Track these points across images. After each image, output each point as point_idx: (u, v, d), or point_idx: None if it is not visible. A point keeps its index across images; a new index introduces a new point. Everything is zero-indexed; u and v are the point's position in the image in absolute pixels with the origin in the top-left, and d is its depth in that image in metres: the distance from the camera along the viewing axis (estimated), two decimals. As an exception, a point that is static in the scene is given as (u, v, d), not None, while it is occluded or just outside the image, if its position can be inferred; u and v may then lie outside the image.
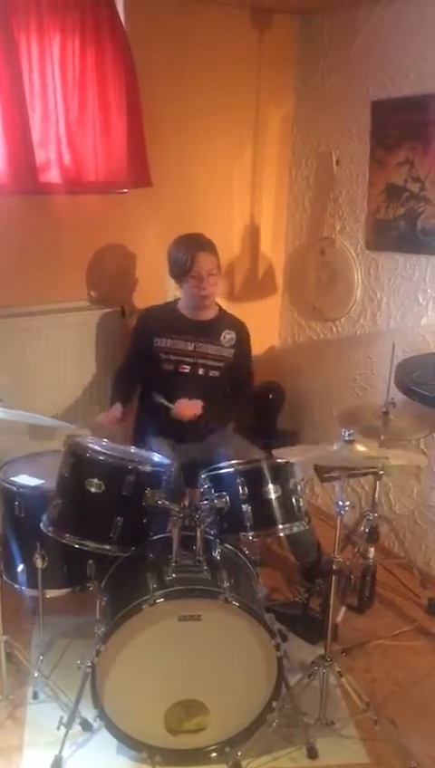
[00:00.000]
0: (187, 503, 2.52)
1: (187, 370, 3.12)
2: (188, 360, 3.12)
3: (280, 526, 2.45)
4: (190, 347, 3.13)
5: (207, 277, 3.03)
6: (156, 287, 3.33)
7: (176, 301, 3.23)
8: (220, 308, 3.26)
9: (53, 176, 3.14)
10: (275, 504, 2.44)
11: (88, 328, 3.40)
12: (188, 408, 3.01)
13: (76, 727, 2.39)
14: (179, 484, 2.80)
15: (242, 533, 2.44)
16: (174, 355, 3.12)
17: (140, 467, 2.38)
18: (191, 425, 3.06)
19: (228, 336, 3.18)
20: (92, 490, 2.34)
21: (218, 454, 2.95)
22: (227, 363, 3.17)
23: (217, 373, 3.16)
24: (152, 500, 2.35)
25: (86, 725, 2.41)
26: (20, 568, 2.60)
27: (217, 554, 2.45)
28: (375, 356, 3.51)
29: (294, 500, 2.47)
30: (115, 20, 3.10)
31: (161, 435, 3.05)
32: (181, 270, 3.05)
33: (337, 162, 3.54)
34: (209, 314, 3.20)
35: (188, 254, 3.02)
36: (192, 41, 3.37)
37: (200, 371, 3.13)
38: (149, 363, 3.15)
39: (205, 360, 3.14)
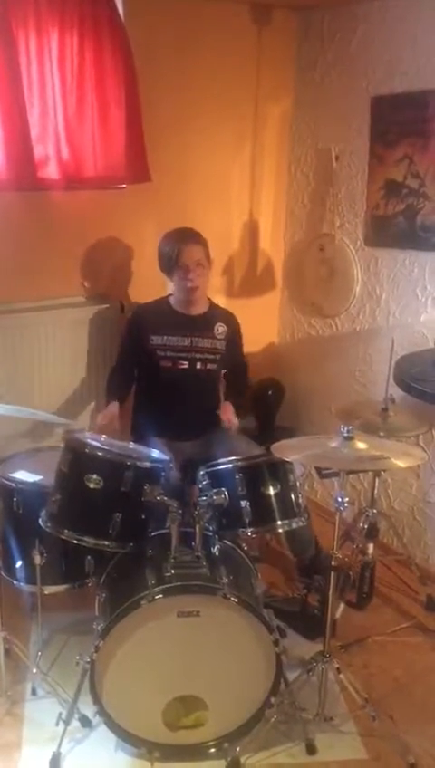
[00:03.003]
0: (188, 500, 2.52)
1: (185, 366, 3.12)
2: (185, 355, 3.12)
3: (279, 522, 2.46)
4: (186, 342, 3.12)
5: (194, 268, 3.03)
6: (154, 282, 3.32)
7: (167, 297, 3.23)
8: (211, 301, 3.27)
9: (51, 171, 3.13)
10: (273, 500, 2.44)
11: (87, 323, 3.39)
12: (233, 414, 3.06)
13: (75, 723, 2.39)
14: (180, 482, 2.80)
15: (241, 530, 2.45)
16: (171, 351, 3.11)
17: (138, 463, 2.38)
18: (190, 422, 3.07)
19: (221, 328, 3.19)
20: (91, 486, 2.34)
21: (216, 450, 2.95)
22: (221, 356, 3.18)
23: (214, 366, 3.17)
24: (151, 496, 2.35)
25: (85, 722, 2.42)
26: (18, 564, 2.60)
27: (215, 550, 2.45)
28: (374, 352, 3.51)
29: (292, 496, 2.48)
30: (114, 15, 3.09)
31: (159, 433, 3.05)
32: (169, 262, 3.05)
33: (336, 158, 3.54)
34: (201, 308, 3.20)
35: (176, 245, 3.02)
36: (191, 36, 3.36)
37: (198, 366, 3.13)
38: (146, 361, 3.15)
39: (202, 355, 3.14)
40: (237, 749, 2.33)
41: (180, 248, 3.01)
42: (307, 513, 2.54)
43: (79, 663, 2.24)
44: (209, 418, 3.14)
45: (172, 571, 2.28)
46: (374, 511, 3.09)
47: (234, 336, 3.24)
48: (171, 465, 2.63)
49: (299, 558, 3.16)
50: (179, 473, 2.85)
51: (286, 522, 2.47)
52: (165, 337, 3.12)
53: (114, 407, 3.08)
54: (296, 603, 2.99)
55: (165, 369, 3.12)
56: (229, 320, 3.25)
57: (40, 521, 2.42)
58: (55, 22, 2.98)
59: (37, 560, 2.50)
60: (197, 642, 2.26)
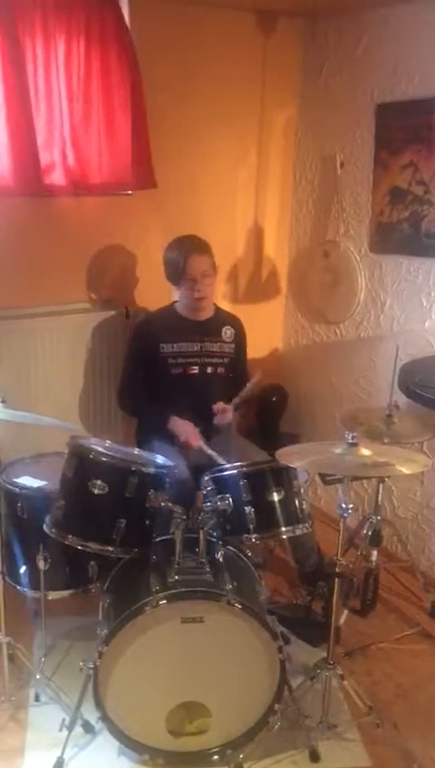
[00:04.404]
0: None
1: (195, 371, 3.13)
2: (195, 360, 3.12)
3: (283, 528, 2.46)
4: (197, 348, 3.13)
5: (200, 279, 3.04)
6: (160, 289, 3.32)
7: (173, 304, 3.23)
8: (216, 305, 3.28)
9: (57, 177, 3.14)
10: (277, 506, 2.44)
11: (92, 329, 3.40)
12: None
13: (78, 729, 2.38)
14: (189, 487, 2.79)
15: (245, 536, 2.45)
16: (182, 358, 3.11)
17: (143, 469, 2.38)
18: (199, 427, 3.07)
19: (229, 332, 3.22)
20: (95, 491, 2.34)
21: (223, 456, 2.94)
22: (230, 359, 3.21)
23: (223, 369, 3.18)
24: (156, 502, 2.35)
25: (88, 727, 2.41)
26: (22, 569, 2.60)
27: (219, 556, 2.45)
28: (379, 359, 3.50)
29: (297, 502, 2.48)
30: (120, 22, 3.11)
31: (165, 439, 3.05)
32: (175, 273, 3.06)
33: (341, 165, 3.54)
34: (209, 313, 3.21)
35: (181, 256, 3.03)
36: (197, 43, 3.38)
37: (209, 370, 3.15)
38: (155, 369, 3.13)
39: (211, 359, 3.15)
40: (241, 756, 2.33)
41: (186, 259, 3.01)
42: (311, 519, 2.54)
43: (82, 669, 2.24)
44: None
45: (176, 577, 2.28)
46: (378, 517, 3.08)
47: (240, 339, 3.27)
48: (180, 466, 2.63)
49: (300, 565, 3.15)
50: (189, 474, 2.85)
51: (290, 528, 2.46)
52: (175, 344, 3.11)
53: (186, 423, 3.03)
54: (300, 610, 2.99)
55: (176, 376, 3.11)
56: (235, 323, 3.28)
57: (44, 526, 2.42)
58: (62, 29, 3.00)
59: (41, 565, 2.50)
60: (200, 648, 2.26)
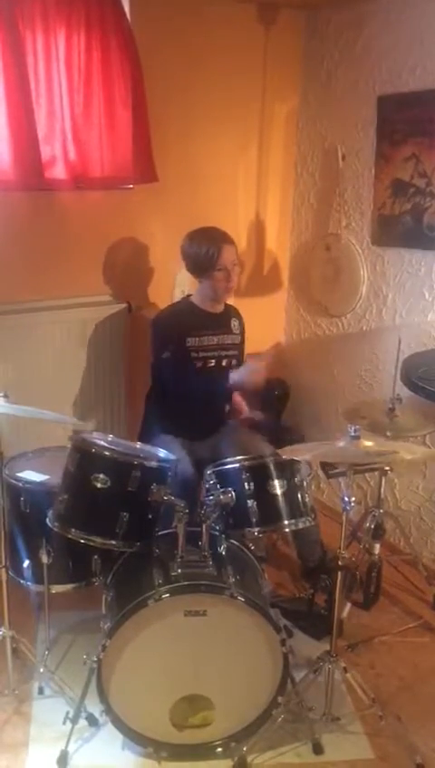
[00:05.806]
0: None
1: (212, 364, 3.13)
2: (213, 353, 3.13)
3: (285, 522, 2.46)
4: (215, 340, 3.13)
5: (232, 269, 3.04)
6: (162, 283, 3.31)
7: (188, 298, 3.22)
8: None
9: (58, 172, 3.13)
10: (280, 499, 2.45)
11: (94, 324, 3.39)
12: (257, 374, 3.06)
13: (82, 722, 2.39)
14: (194, 480, 2.79)
15: (247, 529, 2.45)
16: (203, 351, 3.11)
17: (145, 463, 2.38)
18: (214, 420, 3.11)
19: (236, 323, 3.24)
20: (98, 485, 2.34)
21: (228, 449, 2.94)
22: (238, 350, 3.22)
23: (234, 361, 3.19)
24: (158, 495, 2.35)
25: (92, 720, 2.42)
26: (26, 563, 2.61)
27: (222, 550, 2.46)
28: (381, 352, 3.50)
29: (299, 496, 2.48)
30: (120, 15, 3.10)
31: (171, 432, 3.05)
32: (207, 264, 3.01)
33: (343, 157, 3.53)
34: (222, 306, 3.21)
35: (215, 247, 2.99)
36: (198, 36, 3.36)
37: (224, 362, 3.15)
38: (176, 363, 3.07)
39: (226, 351, 3.16)
40: (244, 748, 2.34)
41: (220, 250, 2.98)
42: (314, 512, 2.54)
43: (86, 662, 2.25)
44: (228, 415, 3.16)
45: (179, 571, 2.28)
46: (381, 511, 3.08)
47: (243, 331, 3.28)
48: (185, 462, 2.63)
49: (303, 560, 3.15)
50: (193, 468, 2.85)
51: (293, 521, 2.47)
52: (198, 338, 3.09)
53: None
54: (303, 603, 2.99)
55: (197, 370, 3.10)
56: (238, 315, 3.29)
57: (47, 520, 2.42)
58: (62, 22, 2.99)
59: (44, 559, 2.51)
60: (204, 642, 2.27)
